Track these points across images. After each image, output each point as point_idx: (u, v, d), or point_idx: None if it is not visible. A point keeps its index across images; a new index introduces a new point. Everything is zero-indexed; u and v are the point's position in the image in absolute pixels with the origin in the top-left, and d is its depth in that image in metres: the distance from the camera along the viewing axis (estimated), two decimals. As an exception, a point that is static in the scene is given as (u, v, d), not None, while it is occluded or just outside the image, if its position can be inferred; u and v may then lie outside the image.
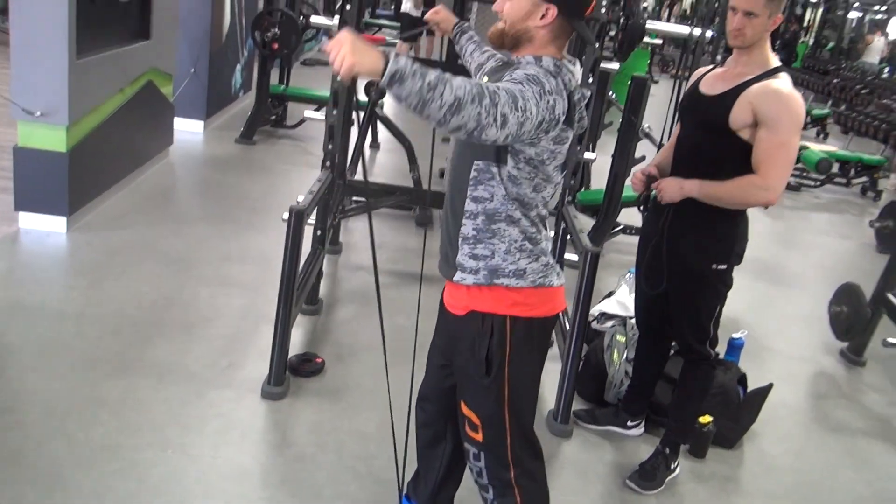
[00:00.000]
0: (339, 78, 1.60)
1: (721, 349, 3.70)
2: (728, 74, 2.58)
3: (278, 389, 3.07)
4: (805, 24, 21.06)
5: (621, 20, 3.55)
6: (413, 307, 2.36)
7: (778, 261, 5.78)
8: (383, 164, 6.85)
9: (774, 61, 2.52)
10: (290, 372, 3.21)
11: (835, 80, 14.13)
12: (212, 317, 3.61)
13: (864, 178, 8.10)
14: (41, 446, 2.58)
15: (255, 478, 2.62)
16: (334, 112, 3.65)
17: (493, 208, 1.88)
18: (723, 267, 2.65)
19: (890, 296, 4.07)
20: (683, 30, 3.80)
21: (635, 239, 5.09)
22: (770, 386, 3.36)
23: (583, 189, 5.84)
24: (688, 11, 18.78)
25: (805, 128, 11.98)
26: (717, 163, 2.56)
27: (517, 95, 1.63)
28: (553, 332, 2.16)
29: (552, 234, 3.39)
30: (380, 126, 6.36)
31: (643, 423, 3.22)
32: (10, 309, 3.39)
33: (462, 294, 1.98)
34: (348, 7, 3.58)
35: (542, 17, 1.80)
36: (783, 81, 2.47)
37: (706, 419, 3.10)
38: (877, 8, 19.66)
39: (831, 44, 19.16)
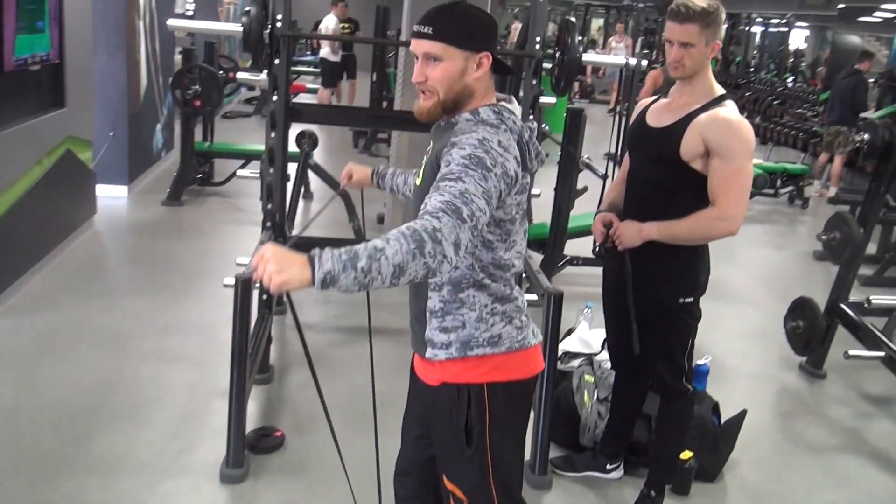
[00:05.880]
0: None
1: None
2: (673, 105, 2.54)
3: (238, 471, 2.86)
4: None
5: (556, 55, 3.50)
6: (368, 363, 2.30)
7: (720, 277, 5.73)
8: (320, 216, 6.65)
9: (719, 89, 2.50)
10: (249, 450, 3.00)
11: (747, 94, 14.65)
12: (157, 397, 3.37)
13: (791, 188, 8.27)
14: (-21, 570, 2.33)
15: (223, 576, 2.41)
16: (271, 171, 3.50)
17: (459, 276, 1.75)
18: (689, 300, 2.59)
19: (843, 306, 4.09)
20: (619, 60, 3.82)
21: (583, 269, 5.09)
22: (744, 413, 3.30)
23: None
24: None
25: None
26: (671, 194, 2.52)
27: (460, 206, 1.50)
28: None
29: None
30: (311, 174, 6.17)
31: (622, 465, 3.11)
32: (-69, 413, 3.10)
33: (435, 367, 1.84)
34: (276, 62, 3.45)
35: (478, 67, 1.71)
36: (730, 109, 2.44)
37: (687, 455, 3.01)
38: (775, 21, 20.49)
39: (738, 58, 19.93)
